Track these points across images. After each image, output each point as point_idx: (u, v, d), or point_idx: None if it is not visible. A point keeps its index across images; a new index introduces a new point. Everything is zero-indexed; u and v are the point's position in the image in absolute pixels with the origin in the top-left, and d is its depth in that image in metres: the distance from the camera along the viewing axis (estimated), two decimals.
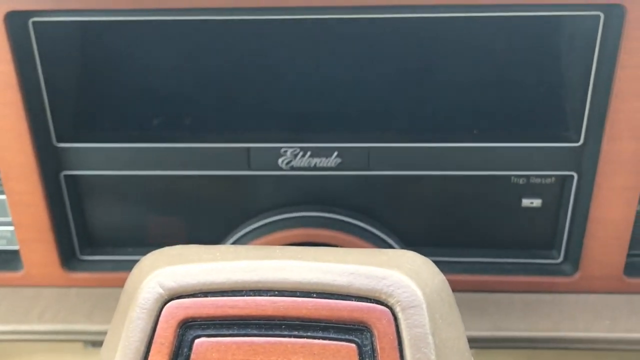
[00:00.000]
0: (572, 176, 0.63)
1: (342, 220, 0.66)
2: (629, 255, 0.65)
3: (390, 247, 0.67)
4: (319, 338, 0.36)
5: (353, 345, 0.36)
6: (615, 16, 0.55)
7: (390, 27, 0.62)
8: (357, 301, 0.36)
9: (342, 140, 0.63)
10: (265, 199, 0.67)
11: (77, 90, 0.65)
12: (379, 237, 0.66)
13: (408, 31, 0.63)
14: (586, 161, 0.62)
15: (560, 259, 0.67)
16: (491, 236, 0.68)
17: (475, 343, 0.62)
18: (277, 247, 0.41)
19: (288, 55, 0.63)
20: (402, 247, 0.68)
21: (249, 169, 0.64)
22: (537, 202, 0.65)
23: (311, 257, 0.39)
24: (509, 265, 0.68)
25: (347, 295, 0.37)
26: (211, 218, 0.68)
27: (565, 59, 0.62)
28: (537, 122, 0.63)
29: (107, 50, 0.64)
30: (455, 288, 0.66)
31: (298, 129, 0.64)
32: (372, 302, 0.36)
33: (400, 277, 0.37)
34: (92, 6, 0.56)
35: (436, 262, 0.68)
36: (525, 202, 0.65)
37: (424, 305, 0.36)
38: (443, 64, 0.64)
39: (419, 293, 0.37)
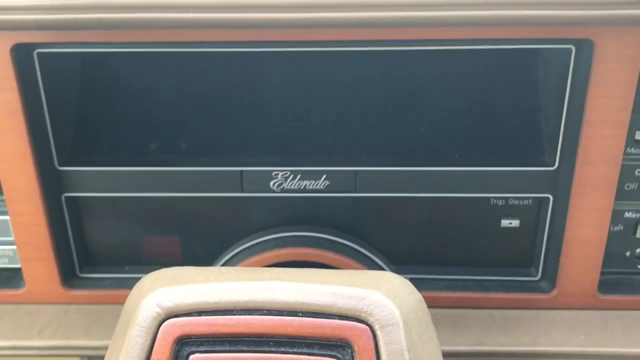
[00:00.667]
0: (547, 198, 0.67)
1: (331, 240, 0.69)
2: (602, 273, 0.69)
3: (377, 265, 0.70)
4: (304, 354, 0.39)
5: None
6: (585, 50, 0.59)
7: (376, 58, 0.66)
8: (340, 319, 0.40)
9: (331, 164, 0.67)
10: (258, 220, 0.70)
11: (79, 116, 0.68)
12: (366, 256, 0.70)
13: (393, 63, 0.66)
14: (561, 184, 0.65)
15: (538, 277, 0.71)
16: (472, 255, 0.71)
17: (457, 357, 0.65)
18: (267, 268, 0.45)
19: (279, 84, 0.67)
20: (388, 265, 0.72)
21: (242, 191, 0.67)
22: (515, 223, 0.69)
23: (298, 278, 0.42)
24: (490, 282, 0.71)
25: (330, 314, 0.40)
26: (206, 238, 0.71)
27: (541, 88, 0.66)
28: (515, 148, 0.67)
29: (107, 79, 0.67)
30: (439, 304, 0.70)
31: (289, 153, 0.67)
32: (353, 321, 0.40)
33: (379, 297, 0.40)
34: (92, 39, 0.60)
35: (420, 280, 0.73)
36: (504, 222, 0.69)
37: (401, 324, 0.40)
38: (426, 93, 0.67)
39: (396, 312, 0.40)
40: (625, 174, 0.66)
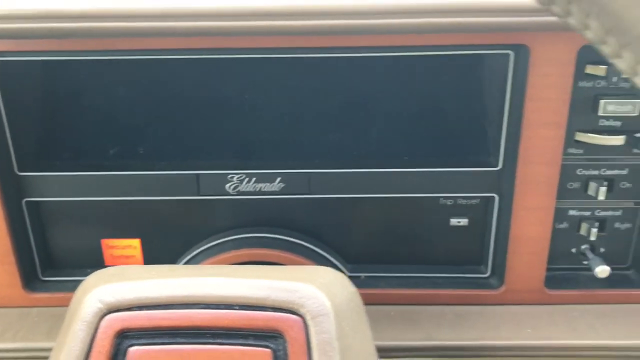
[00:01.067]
0: (493, 197, 0.69)
1: (287, 240, 0.71)
2: (550, 269, 0.71)
3: (332, 264, 0.72)
4: (239, 345, 0.41)
5: (268, 350, 0.41)
6: (522, 54, 0.62)
7: (328, 64, 0.68)
8: (273, 312, 0.42)
9: (285, 167, 0.69)
10: (216, 222, 0.72)
11: (38, 123, 0.69)
12: (322, 255, 0.72)
13: (344, 68, 0.69)
14: (505, 184, 0.68)
15: (488, 274, 0.73)
16: (425, 253, 0.74)
17: (408, 352, 0.68)
18: (209, 266, 0.47)
19: (234, 90, 0.69)
20: (344, 264, 0.74)
21: (199, 194, 0.69)
22: (464, 221, 0.71)
23: (236, 274, 0.44)
24: (442, 279, 0.74)
25: (265, 307, 0.42)
26: (166, 240, 0.73)
27: (485, 92, 0.68)
28: (462, 149, 0.69)
29: (65, 86, 0.69)
30: (392, 301, 0.73)
31: (244, 156, 0.69)
32: (286, 312, 0.42)
33: (312, 289, 0.43)
34: (48, 48, 0.61)
35: (375, 278, 0.75)
36: (453, 221, 0.71)
37: (332, 314, 0.42)
38: (377, 98, 0.70)
39: (328, 304, 0.42)
40: (567, 173, 0.68)
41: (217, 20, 0.59)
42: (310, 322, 0.41)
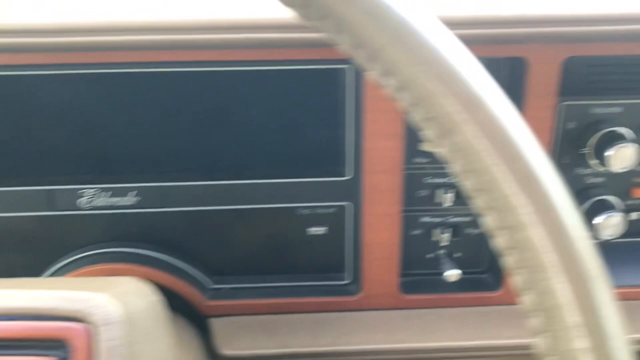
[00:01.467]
0: (347, 206, 0.72)
1: (146, 255, 0.72)
2: (406, 275, 0.74)
3: (193, 277, 0.73)
4: (26, 355, 0.42)
5: (53, 359, 0.41)
6: (356, 68, 0.64)
7: (185, 78, 0.69)
8: (62, 321, 0.42)
9: (140, 180, 0.69)
10: (75, 237, 0.72)
11: None
12: (180, 268, 0.73)
13: (201, 82, 0.70)
14: (355, 192, 0.70)
15: (349, 281, 0.75)
16: (287, 262, 0.75)
17: None
18: (10, 279, 0.47)
19: (86, 104, 0.69)
20: (208, 276, 0.75)
21: (51, 209, 0.69)
22: (322, 230, 0.73)
23: (33, 286, 0.45)
24: (304, 288, 0.75)
25: (54, 317, 0.42)
26: (26, 257, 0.73)
27: (332, 105, 0.70)
28: (315, 160, 0.71)
29: None
30: (255, 311, 0.74)
31: (98, 171, 0.70)
32: (75, 322, 0.42)
33: (104, 299, 0.43)
34: None
35: (238, 289, 0.76)
36: (312, 230, 0.73)
37: (121, 322, 0.43)
38: (233, 112, 0.71)
39: (118, 312, 0.43)
40: (416, 181, 0.71)
41: (70, 35, 0.60)
42: (98, 330, 0.42)
